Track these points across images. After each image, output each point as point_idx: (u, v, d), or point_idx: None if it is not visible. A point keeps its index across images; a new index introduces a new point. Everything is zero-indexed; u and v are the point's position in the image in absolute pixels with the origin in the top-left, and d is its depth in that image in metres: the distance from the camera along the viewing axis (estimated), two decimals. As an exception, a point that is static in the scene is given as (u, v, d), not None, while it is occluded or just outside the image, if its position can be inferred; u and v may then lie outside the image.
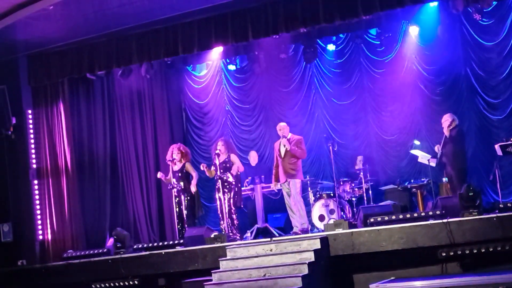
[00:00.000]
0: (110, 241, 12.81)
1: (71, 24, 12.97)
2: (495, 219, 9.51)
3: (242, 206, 12.92)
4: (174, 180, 12.86)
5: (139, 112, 15.32)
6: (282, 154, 11.91)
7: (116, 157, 15.15)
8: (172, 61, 14.78)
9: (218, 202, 12.61)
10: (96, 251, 12.52)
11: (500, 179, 11.72)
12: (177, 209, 12.87)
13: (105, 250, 12.46)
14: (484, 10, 13.15)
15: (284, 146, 11.88)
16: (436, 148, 12.41)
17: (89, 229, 14.42)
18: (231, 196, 12.50)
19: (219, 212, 12.64)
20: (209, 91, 15.89)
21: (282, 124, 12.30)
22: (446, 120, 12.37)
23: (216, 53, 14.65)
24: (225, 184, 12.50)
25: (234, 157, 12.65)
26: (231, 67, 15.69)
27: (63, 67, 13.97)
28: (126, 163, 15.15)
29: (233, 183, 12.48)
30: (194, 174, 12.80)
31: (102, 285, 11.76)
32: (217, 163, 12.43)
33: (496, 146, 11.36)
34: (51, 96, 14.46)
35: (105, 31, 13.38)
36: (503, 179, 12.35)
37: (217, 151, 12.54)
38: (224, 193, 12.48)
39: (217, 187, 12.52)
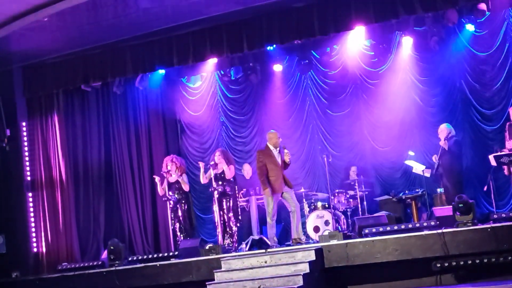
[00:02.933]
0: (104, 253, 12.78)
1: (66, 36, 13.00)
2: (489, 230, 9.51)
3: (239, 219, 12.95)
4: (169, 192, 12.87)
5: (134, 123, 15.32)
6: (280, 163, 11.82)
7: (111, 169, 15.14)
8: (167, 73, 14.80)
9: (215, 214, 12.60)
10: (90, 264, 12.49)
11: (494, 190, 11.74)
12: (174, 221, 12.86)
13: (99, 262, 12.43)
14: (478, 21, 13.20)
15: (286, 154, 11.78)
16: (434, 158, 12.44)
17: (84, 241, 14.38)
18: (231, 206, 12.53)
19: (216, 224, 12.64)
20: (203, 102, 15.89)
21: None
22: (442, 130, 12.40)
23: (210, 64, 14.67)
24: (223, 195, 12.52)
25: (231, 168, 12.67)
26: (226, 79, 15.70)
27: (58, 79, 13.99)
28: (120, 175, 15.13)
29: (231, 193, 12.52)
30: (186, 187, 12.85)
31: (97, 298, 11.73)
32: (212, 173, 12.44)
33: (490, 157, 11.38)
34: (46, 108, 14.47)
35: (100, 42, 13.41)
36: (497, 190, 12.37)
37: (212, 162, 12.54)
38: (220, 204, 12.48)
39: (214, 199, 12.52)
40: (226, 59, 14.38)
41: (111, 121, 15.24)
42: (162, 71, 14.66)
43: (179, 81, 15.97)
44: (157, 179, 13.05)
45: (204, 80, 15.89)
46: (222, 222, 12.54)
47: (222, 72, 15.46)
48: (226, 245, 12.12)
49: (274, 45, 13.34)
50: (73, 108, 14.90)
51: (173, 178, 12.92)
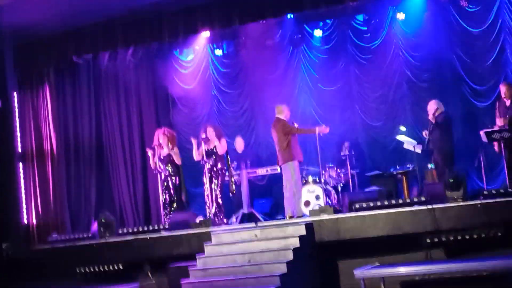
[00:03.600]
0: (95, 226, 12.77)
1: (57, 9, 12.88)
2: (479, 205, 9.54)
3: (233, 192, 12.95)
4: (160, 164, 12.84)
5: (125, 97, 15.28)
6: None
7: (102, 142, 15.11)
8: (159, 46, 14.71)
9: (205, 188, 12.59)
10: (81, 236, 12.49)
11: (485, 166, 11.76)
12: (165, 195, 12.84)
13: (90, 234, 12.43)
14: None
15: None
16: (424, 134, 12.44)
17: (74, 213, 14.38)
18: (219, 182, 12.52)
19: (207, 198, 12.63)
20: (195, 76, 15.82)
21: None
22: (431, 106, 12.39)
23: (203, 38, 14.59)
24: (213, 170, 12.51)
25: (223, 142, 12.63)
26: (218, 52, 15.63)
27: (50, 51, 13.93)
28: (111, 148, 15.11)
29: (222, 168, 12.51)
30: (178, 160, 12.80)
31: (87, 270, 11.73)
32: (204, 148, 12.42)
33: (481, 133, 11.38)
34: (37, 80, 14.39)
35: (91, 16, 13.29)
36: (488, 165, 12.38)
37: (204, 136, 12.51)
38: (211, 178, 12.47)
39: (204, 173, 12.50)
40: (218, 33, 14.30)
41: (102, 95, 15.19)
42: (154, 44, 14.57)
43: (171, 54, 15.89)
44: (149, 152, 13.01)
45: (197, 54, 15.82)
46: (212, 196, 12.53)
47: (215, 46, 15.38)
48: (216, 219, 12.13)
49: (266, 19, 13.24)
50: (64, 81, 14.83)
51: (164, 151, 12.89)
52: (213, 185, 12.52)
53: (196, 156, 12.76)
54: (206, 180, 12.51)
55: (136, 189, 14.99)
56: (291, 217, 11.24)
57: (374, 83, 14.60)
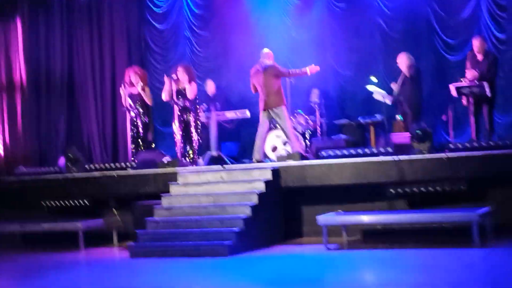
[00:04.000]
0: (62, 160, 12.73)
1: None
2: (445, 159, 9.65)
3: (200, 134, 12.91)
4: (130, 102, 12.75)
5: (97, 34, 15.08)
6: None
7: (73, 77, 14.98)
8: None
9: (174, 128, 12.54)
10: (48, 169, 12.45)
11: (453, 120, 11.86)
12: (133, 132, 12.79)
13: (57, 168, 12.39)
14: None
15: None
16: (393, 86, 12.46)
17: (43, 147, 14.30)
18: (191, 122, 12.46)
19: (175, 138, 12.60)
20: (169, 16, 15.63)
21: None
22: (402, 58, 12.36)
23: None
24: (184, 110, 12.45)
25: (193, 86, 12.54)
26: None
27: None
28: (82, 84, 14.99)
29: (191, 108, 12.45)
30: (149, 100, 12.72)
31: (53, 203, 11.74)
32: (173, 88, 12.33)
33: (451, 87, 11.45)
34: (9, 12, 14.12)
35: None
36: (456, 120, 12.50)
37: (175, 76, 12.40)
38: (180, 119, 12.42)
39: (174, 113, 12.44)
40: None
41: (74, 31, 14.98)
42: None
43: (145, -7, 15.66)
44: (122, 91, 12.85)
45: (171, -8, 15.60)
46: (181, 136, 12.50)
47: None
48: (183, 160, 12.13)
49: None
50: (37, 14, 14.60)
51: (135, 89, 12.77)
52: (182, 125, 12.48)
53: (164, 96, 12.67)
54: (175, 120, 12.46)
55: (105, 126, 14.93)
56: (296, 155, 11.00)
57: (347, 32, 14.54)
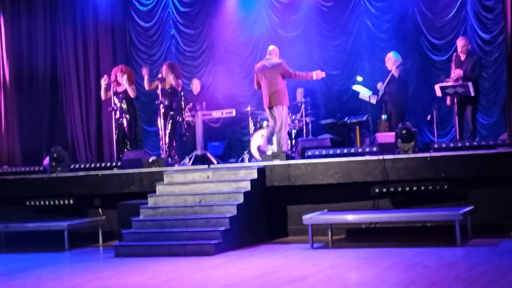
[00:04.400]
0: (46, 159, 12.68)
1: None
2: (429, 158, 9.70)
3: (186, 133, 12.92)
4: (116, 100, 12.72)
5: (82, 31, 15.02)
6: None
7: (57, 75, 14.90)
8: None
9: (159, 127, 12.54)
10: (32, 169, 12.39)
11: (438, 120, 11.93)
12: (118, 131, 12.77)
13: (41, 168, 12.35)
14: None
15: None
16: (378, 86, 12.50)
17: (26, 146, 14.24)
18: (176, 121, 12.48)
19: (160, 137, 12.61)
20: (154, 14, 15.63)
21: None
22: (390, 58, 12.39)
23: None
24: (169, 109, 12.45)
25: (178, 83, 12.53)
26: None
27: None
28: (66, 82, 14.92)
29: (177, 108, 12.44)
30: (133, 93, 12.69)
31: (37, 203, 11.69)
32: (159, 87, 12.32)
33: (436, 87, 11.51)
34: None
35: None
36: (440, 120, 12.59)
37: (160, 75, 12.39)
38: (166, 118, 12.43)
39: (159, 112, 12.43)
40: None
41: (58, 28, 14.92)
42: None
43: (131, -10, 15.64)
44: (103, 82, 12.72)
45: (157, -10, 15.60)
46: (166, 136, 12.50)
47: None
48: (169, 159, 12.14)
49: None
50: (20, 10, 14.49)
51: (121, 88, 12.75)
52: (168, 125, 12.49)
53: (146, 86, 12.66)
54: (160, 119, 12.46)
55: (90, 124, 14.88)
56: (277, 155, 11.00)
57: (334, 31, 14.61)
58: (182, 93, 12.68)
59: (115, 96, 12.69)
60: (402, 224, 9.75)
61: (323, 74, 11.74)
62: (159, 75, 12.40)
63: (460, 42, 11.70)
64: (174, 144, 12.52)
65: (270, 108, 11.51)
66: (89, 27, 15.05)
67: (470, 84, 11.11)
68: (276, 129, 11.50)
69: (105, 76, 12.79)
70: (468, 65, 11.45)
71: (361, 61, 14.32)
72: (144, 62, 15.59)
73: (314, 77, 11.67)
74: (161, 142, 12.56)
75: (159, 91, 12.30)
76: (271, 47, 11.83)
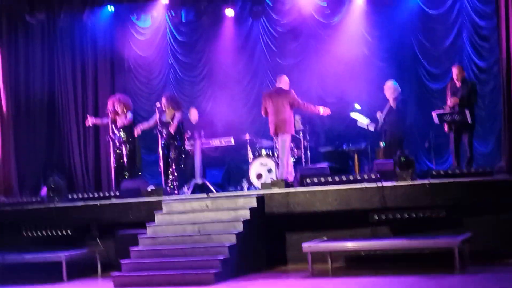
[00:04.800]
0: (44, 189, 12.66)
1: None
2: (427, 185, 9.72)
3: (182, 165, 12.97)
4: (115, 131, 12.75)
5: (80, 60, 15.06)
6: None
7: (54, 103, 14.91)
8: (116, 10, 14.52)
9: (160, 157, 12.56)
10: (30, 200, 12.34)
11: (435, 147, 11.95)
12: (117, 161, 12.77)
13: (39, 198, 12.31)
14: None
15: None
16: (377, 115, 12.54)
17: (23, 175, 14.21)
18: (174, 153, 12.50)
19: (160, 166, 12.63)
20: (152, 43, 15.69)
21: None
22: (390, 88, 12.42)
23: (161, 4, 14.46)
24: (169, 139, 12.49)
25: (177, 117, 12.59)
26: (177, 20, 15.49)
27: (1, 6, 13.56)
28: (64, 111, 14.93)
29: (176, 141, 12.47)
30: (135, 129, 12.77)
31: (35, 233, 11.64)
32: (157, 117, 12.39)
33: (433, 114, 11.56)
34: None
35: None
36: (437, 147, 12.61)
37: (159, 106, 12.47)
38: (167, 148, 12.46)
39: (159, 141, 12.47)
40: (177, 0, 14.16)
41: (56, 56, 14.95)
42: (111, 8, 14.35)
43: (129, 20, 15.70)
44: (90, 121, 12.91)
45: (154, 20, 15.65)
46: (166, 165, 12.52)
47: (173, 14, 15.24)
48: (168, 189, 12.13)
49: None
50: (17, 40, 14.53)
51: (119, 118, 12.77)
52: (171, 154, 12.51)
53: (147, 126, 12.79)
54: (160, 148, 12.50)
55: (88, 154, 14.86)
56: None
57: (332, 59, 14.66)
58: (183, 124, 12.72)
59: (113, 126, 12.72)
60: (401, 251, 9.72)
61: (328, 111, 12.10)
62: (158, 106, 12.47)
63: (455, 70, 11.77)
64: (176, 174, 12.54)
65: (275, 135, 11.76)
66: (87, 54, 15.08)
67: (467, 111, 11.15)
68: (282, 157, 11.74)
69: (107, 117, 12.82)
70: (464, 92, 11.51)
71: (359, 89, 14.31)
72: (142, 91, 15.64)
73: (321, 112, 11.86)
74: (160, 171, 12.58)
75: (158, 122, 12.35)
76: (281, 76, 12.09)
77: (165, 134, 12.46)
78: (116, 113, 12.77)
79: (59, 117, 14.91)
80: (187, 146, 13.57)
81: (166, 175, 12.54)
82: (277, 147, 12.42)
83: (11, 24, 14.19)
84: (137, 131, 12.88)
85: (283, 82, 11.99)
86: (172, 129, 12.50)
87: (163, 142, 12.42)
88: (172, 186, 12.39)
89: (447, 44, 13.68)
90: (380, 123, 12.44)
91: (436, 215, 9.61)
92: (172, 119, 12.52)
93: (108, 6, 13.91)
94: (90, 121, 13.22)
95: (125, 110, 12.77)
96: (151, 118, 12.82)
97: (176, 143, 12.57)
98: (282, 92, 11.79)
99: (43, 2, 13.34)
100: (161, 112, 12.51)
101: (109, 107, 12.84)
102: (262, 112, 12.08)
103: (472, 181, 9.59)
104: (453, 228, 9.57)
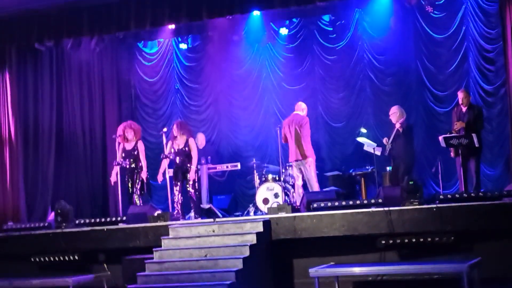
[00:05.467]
0: (51, 215, 12.66)
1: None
2: (434, 209, 9.67)
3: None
4: (124, 158, 12.76)
5: (87, 86, 15.14)
6: None
7: (62, 131, 14.95)
8: (124, 36, 14.62)
9: (174, 183, 12.54)
10: (37, 225, 12.35)
11: (442, 171, 11.93)
12: (126, 187, 12.77)
13: (46, 224, 12.31)
14: (436, 3, 13.33)
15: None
16: (384, 141, 12.54)
17: (31, 201, 14.22)
18: (190, 183, 12.45)
19: (168, 191, 12.64)
20: (159, 69, 15.80)
21: None
22: (395, 113, 12.45)
23: (168, 30, 14.54)
24: (184, 171, 12.46)
25: (192, 143, 12.52)
26: (183, 46, 15.59)
27: (11, 35, 13.65)
28: (72, 137, 14.96)
29: (188, 166, 12.45)
30: (144, 162, 12.72)
31: (42, 259, 11.63)
32: (170, 146, 12.40)
33: (440, 138, 11.54)
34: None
35: (56, 1, 13.13)
36: (445, 171, 12.57)
37: (175, 134, 12.48)
38: (179, 179, 12.43)
39: (173, 172, 12.45)
40: (184, 26, 14.25)
41: (64, 82, 15.01)
42: (119, 34, 14.43)
43: (136, 46, 15.82)
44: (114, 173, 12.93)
45: (161, 46, 15.78)
46: (179, 193, 12.49)
47: (180, 39, 15.33)
48: (175, 213, 12.12)
49: (234, 15, 13.24)
50: (26, 67, 14.61)
51: (129, 145, 12.78)
52: (187, 182, 12.46)
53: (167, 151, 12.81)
54: (168, 174, 12.50)
55: (95, 179, 14.89)
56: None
57: (337, 84, 14.72)
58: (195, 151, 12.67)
59: (123, 152, 12.73)
60: (409, 277, 9.65)
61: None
62: (165, 131, 12.54)
63: (461, 94, 11.80)
64: (182, 200, 12.54)
65: (296, 161, 12.08)
66: (94, 81, 15.17)
67: (474, 135, 11.14)
68: (298, 183, 12.07)
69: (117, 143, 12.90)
70: (470, 116, 11.51)
71: (365, 114, 14.39)
72: (149, 116, 15.70)
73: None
74: (168, 196, 12.59)
75: (173, 149, 12.39)
76: (299, 103, 12.48)
77: (176, 162, 12.41)
78: (125, 138, 12.77)
79: (67, 143, 14.94)
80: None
81: (175, 201, 12.55)
82: (291, 173, 12.81)
83: (20, 51, 14.28)
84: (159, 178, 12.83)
85: (300, 109, 12.35)
86: (193, 164, 12.44)
87: (173, 169, 12.40)
88: (181, 214, 12.38)
89: (453, 68, 13.70)
90: (387, 149, 12.45)
91: (444, 240, 9.55)
92: (185, 145, 12.46)
93: (116, 33, 13.96)
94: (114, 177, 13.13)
95: (135, 138, 12.76)
96: (168, 152, 12.70)
97: (187, 171, 12.48)
98: (299, 118, 12.13)
99: (52, 29, 13.42)
100: (173, 138, 12.49)
101: (119, 132, 12.82)
102: (282, 140, 12.40)
103: (480, 205, 9.54)
104: (461, 253, 9.50)
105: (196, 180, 12.51)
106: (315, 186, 12.06)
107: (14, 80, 14.15)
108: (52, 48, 14.48)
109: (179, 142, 12.48)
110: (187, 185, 12.38)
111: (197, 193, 12.54)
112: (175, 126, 12.62)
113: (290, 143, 12.16)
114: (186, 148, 12.44)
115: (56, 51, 14.77)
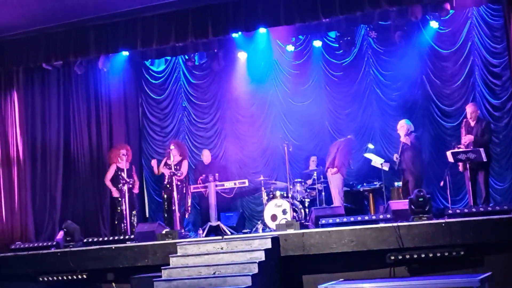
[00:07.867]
0: (60, 234, 12.67)
1: (28, 12, 12.76)
2: (443, 224, 9.65)
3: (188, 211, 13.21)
4: (125, 177, 12.95)
5: (95, 105, 15.17)
6: None
7: (70, 150, 14.96)
8: (131, 55, 14.67)
9: (174, 200, 12.64)
10: (45, 244, 12.36)
11: (451, 186, 11.90)
12: (131, 206, 12.88)
13: (54, 243, 12.32)
14: (442, 18, 13.35)
15: None
16: (394, 157, 12.56)
17: (39, 221, 14.22)
18: (178, 198, 12.72)
19: (174, 209, 12.71)
20: (166, 86, 15.83)
21: None
22: (402, 126, 12.48)
23: (175, 48, 14.59)
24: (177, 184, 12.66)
25: (185, 165, 13.07)
26: (190, 64, 15.62)
27: (19, 55, 13.74)
28: (79, 156, 14.97)
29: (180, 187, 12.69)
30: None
31: (50, 278, 11.62)
32: (170, 162, 12.61)
33: (448, 153, 11.54)
34: (5, 85, 14.24)
35: (63, 21, 13.20)
36: (453, 185, 12.55)
37: (173, 154, 12.73)
38: (174, 191, 12.59)
39: (172, 185, 12.58)
40: (191, 44, 14.29)
41: (71, 102, 15.05)
42: (125, 53, 14.49)
43: (143, 64, 15.87)
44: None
45: (168, 64, 15.82)
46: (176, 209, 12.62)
47: (186, 57, 15.38)
48: (183, 231, 12.13)
49: (240, 32, 13.28)
50: (33, 87, 14.67)
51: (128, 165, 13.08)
52: (187, 198, 12.66)
53: (156, 171, 13.14)
54: (174, 192, 12.56)
55: (103, 198, 14.88)
56: None
57: (344, 99, 14.71)
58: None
59: (121, 172, 12.89)
60: (419, 292, 9.59)
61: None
62: (168, 150, 12.72)
63: (469, 109, 11.81)
64: (179, 217, 12.69)
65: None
66: (101, 100, 15.19)
67: (481, 150, 11.12)
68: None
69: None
70: (478, 130, 11.52)
71: (372, 129, 14.36)
72: (157, 134, 15.71)
73: None
74: (175, 215, 12.67)
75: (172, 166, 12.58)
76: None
77: (172, 179, 12.79)
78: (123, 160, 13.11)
79: (75, 162, 14.95)
80: (201, 189, 13.63)
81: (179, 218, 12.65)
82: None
83: (27, 71, 14.35)
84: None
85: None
86: (183, 177, 12.74)
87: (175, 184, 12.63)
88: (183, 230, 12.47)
89: (459, 82, 13.68)
90: (397, 164, 12.45)
91: (454, 254, 9.51)
92: (179, 165, 12.82)
93: (123, 51, 14.02)
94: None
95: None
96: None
97: (180, 189, 12.86)
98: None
99: (59, 49, 13.49)
100: (169, 157, 12.86)
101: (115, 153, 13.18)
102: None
103: (489, 219, 9.51)
104: (472, 267, 9.47)
105: (183, 197, 12.84)
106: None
107: (22, 100, 14.21)
108: (59, 68, 14.56)
109: (174, 161, 12.69)
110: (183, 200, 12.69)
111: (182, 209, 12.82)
112: (171, 146, 12.87)
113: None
114: (178, 167, 12.86)
115: (63, 71, 14.83)
